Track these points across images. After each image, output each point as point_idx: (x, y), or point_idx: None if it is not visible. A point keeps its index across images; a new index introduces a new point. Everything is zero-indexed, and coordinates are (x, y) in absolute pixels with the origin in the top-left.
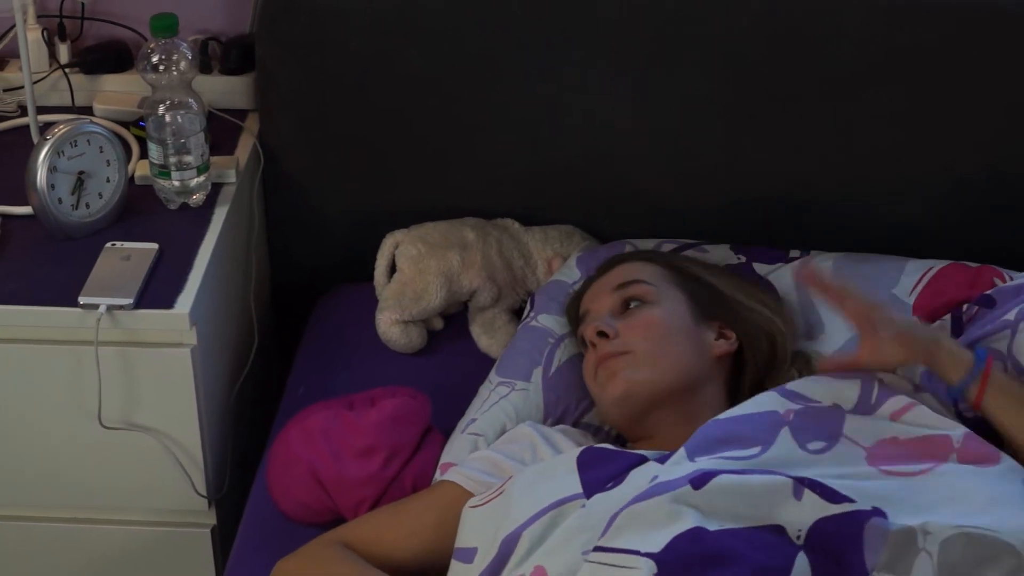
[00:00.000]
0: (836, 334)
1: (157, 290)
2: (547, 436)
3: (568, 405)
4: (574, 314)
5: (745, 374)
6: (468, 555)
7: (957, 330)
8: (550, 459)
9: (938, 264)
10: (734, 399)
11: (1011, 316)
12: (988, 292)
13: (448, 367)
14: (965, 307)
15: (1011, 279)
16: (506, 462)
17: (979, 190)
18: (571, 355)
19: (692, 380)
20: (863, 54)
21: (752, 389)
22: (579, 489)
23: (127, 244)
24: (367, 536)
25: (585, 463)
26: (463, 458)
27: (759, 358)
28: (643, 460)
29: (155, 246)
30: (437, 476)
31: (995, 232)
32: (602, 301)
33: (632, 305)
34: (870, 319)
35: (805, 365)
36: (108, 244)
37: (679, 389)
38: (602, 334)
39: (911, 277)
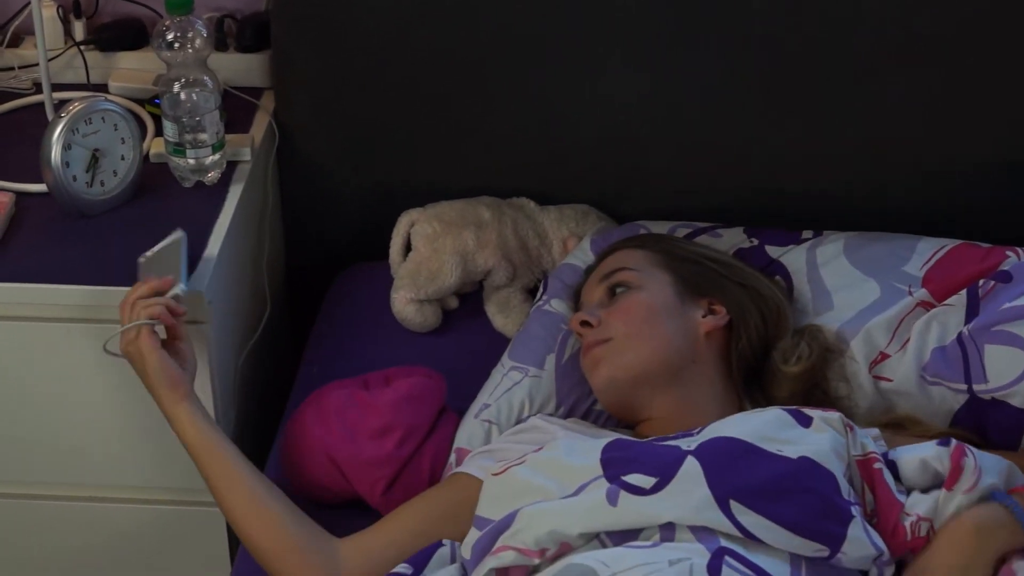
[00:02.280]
0: (843, 310)
1: None
2: (560, 425)
3: (580, 393)
4: (575, 307)
5: (736, 347)
6: (483, 524)
7: (973, 306)
8: (573, 442)
9: (950, 243)
10: (730, 373)
11: None
12: (1005, 268)
13: (463, 346)
14: (981, 282)
15: None
16: (519, 449)
17: (997, 176)
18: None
19: (677, 358)
20: (881, 38)
21: (748, 361)
22: (599, 472)
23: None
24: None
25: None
26: (475, 444)
27: (751, 331)
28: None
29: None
30: (451, 461)
31: (1013, 219)
32: (593, 292)
33: (618, 292)
34: None
35: (813, 338)
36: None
37: (664, 369)
38: (585, 323)
39: (922, 255)
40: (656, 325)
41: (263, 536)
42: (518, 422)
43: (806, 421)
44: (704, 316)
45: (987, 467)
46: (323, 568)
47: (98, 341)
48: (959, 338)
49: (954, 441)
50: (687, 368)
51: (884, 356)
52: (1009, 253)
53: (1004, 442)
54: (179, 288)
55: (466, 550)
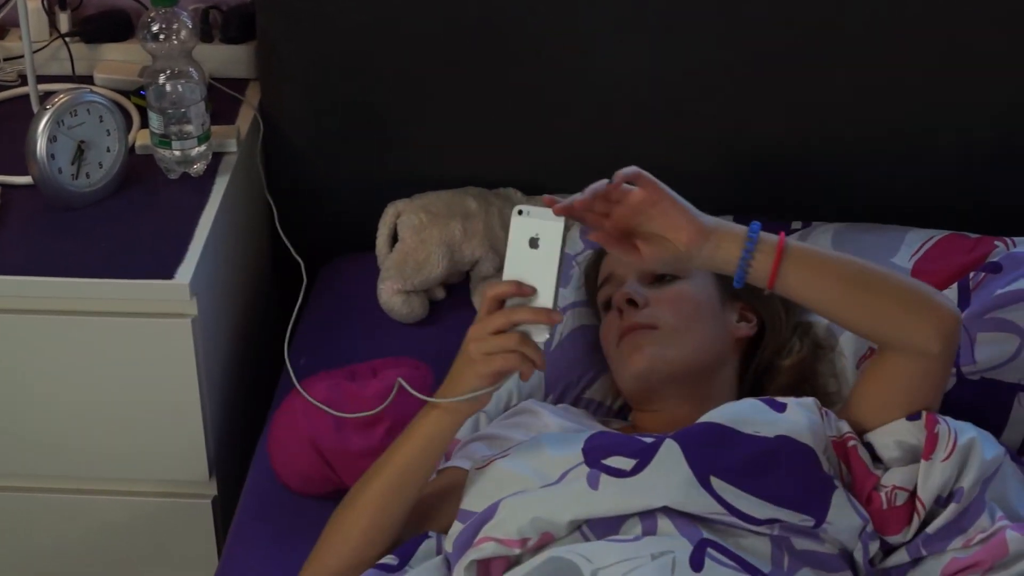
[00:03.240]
0: None
1: (157, 260)
2: (552, 411)
3: (570, 380)
4: (593, 275)
5: (758, 356)
6: (466, 517)
7: (964, 298)
8: (556, 433)
9: (939, 234)
10: (742, 379)
11: None
12: (994, 259)
13: (450, 337)
14: (972, 275)
15: (1014, 245)
16: (507, 435)
17: (986, 159)
18: (573, 328)
19: (712, 362)
20: (869, 20)
21: (765, 368)
22: (580, 459)
23: None
24: None
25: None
26: (464, 434)
27: (775, 341)
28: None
29: None
30: None
31: (1002, 202)
32: (628, 266)
33: (665, 278)
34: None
35: (805, 334)
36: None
37: (698, 370)
38: (631, 302)
39: (911, 246)
40: (701, 323)
41: (349, 539)
42: (506, 410)
43: (780, 407)
44: (738, 321)
45: (962, 427)
46: None
47: (83, 333)
48: None
49: (924, 413)
50: (717, 372)
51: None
52: (997, 243)
53: (994, 418)
54: (545, 334)
55: (449, 543)
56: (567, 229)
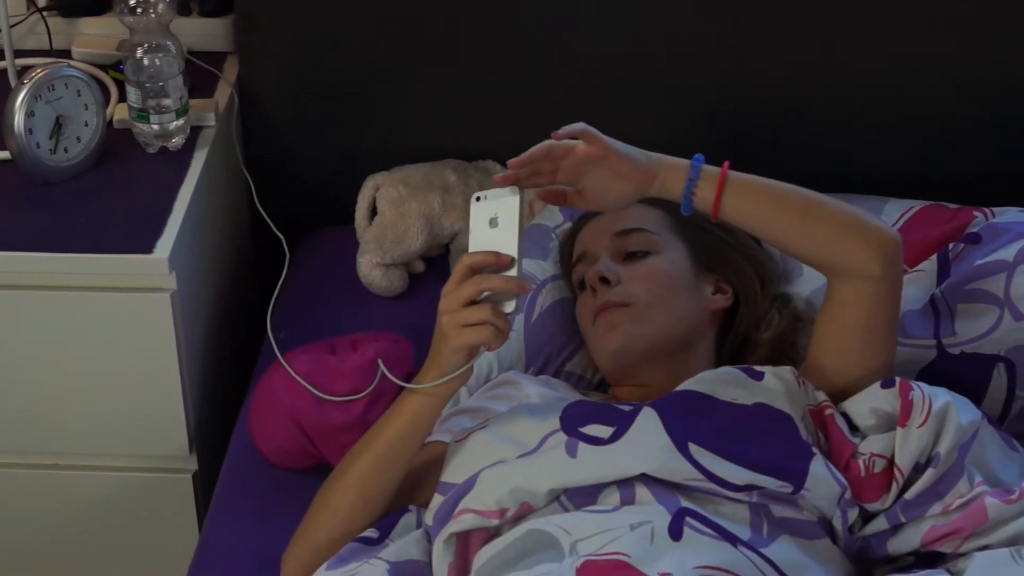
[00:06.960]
0: (813, 277)
1: (136, 235)
2: (533, 381)
3: (550, 353)
4: (567, 252)
5: (735, 329)
6: (446, 489)
7: (944, 269)
8: (534, 403)
9: (918, 204)
10: (720, 351)
11: (1007, 255)
12: (974, 230)
13: (430, 310)
14: (951, 246)
15: (993, 215)
16: (489, 406)
17: (965, 129)
18: (553, 301)
19: (688, 335)
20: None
21: (738, 342)
22: (557, 426)
23: None
24: None
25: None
26: (446, 406)
27: (751, 313)
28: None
29: None
30: None
31: (981, 172)
32: (601, 243)
33: (637, 254)
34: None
35: (784, 306)
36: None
37: (675, 344)
38: (604, 280)
39: (890, 217)
40: (675, 297)
41: (332, 512)
42: (487, 382)
43: (758, 375)
44: (713, 294)
45: (936, 393)
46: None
47: (62, 308)
48: (931, 299)
49: (897, 380)
50: (694, 345)
51: None
52: (976, 213)
53: (974, 390)
54: (513, 304)
55: (429, 516)
56: (523, 201)
